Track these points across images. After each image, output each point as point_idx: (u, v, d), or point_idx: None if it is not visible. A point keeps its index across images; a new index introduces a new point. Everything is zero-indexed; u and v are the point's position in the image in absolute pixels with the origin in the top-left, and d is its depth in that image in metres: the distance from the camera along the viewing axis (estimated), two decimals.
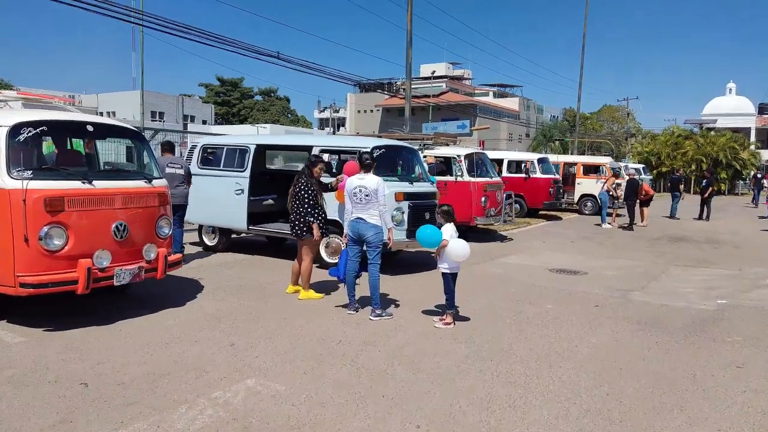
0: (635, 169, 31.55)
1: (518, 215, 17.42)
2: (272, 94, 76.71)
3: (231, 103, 72.65)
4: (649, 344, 5.44)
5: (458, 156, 12.15)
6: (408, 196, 8.30)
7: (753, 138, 52.84)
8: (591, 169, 20.56)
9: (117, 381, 4.11)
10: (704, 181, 20.32)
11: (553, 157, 20.26)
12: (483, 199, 12.02)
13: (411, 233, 8.13)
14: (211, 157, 9.84)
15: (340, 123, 77.22)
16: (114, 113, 56.26)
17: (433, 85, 65.73)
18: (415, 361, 4.76)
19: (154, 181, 5.98)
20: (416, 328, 5.73)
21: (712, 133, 45.20)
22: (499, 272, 9.14)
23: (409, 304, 6.61)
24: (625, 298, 7.43)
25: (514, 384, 4.31)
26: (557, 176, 18.27)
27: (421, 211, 8.47)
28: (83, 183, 5.25)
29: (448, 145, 13.27)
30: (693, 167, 39.71)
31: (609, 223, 16.48)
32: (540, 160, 17.80)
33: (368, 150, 8.17)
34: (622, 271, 9.62)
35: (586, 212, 20.09)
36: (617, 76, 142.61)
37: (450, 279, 5.82)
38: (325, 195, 7.03)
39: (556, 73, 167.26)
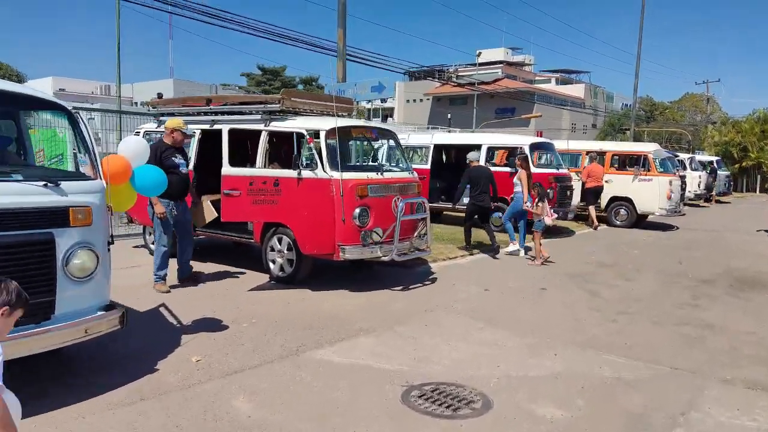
0: (707, 162, 24.41)
1: (498, 229, 11.52)
2: (313, 83, 72.76)
3: (270, 92, 69.40)
4: None
5: (310, 132, 6.50)
6: None
7: None
8: (628, 162, 14.24)
9: None
10: None
11: (562, 144, 13.91)
12: (357, 210, 6.36)
13: None
14: None
15: (388, 114, 72.91)
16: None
17: (484, 71, 59.23)
18: None
19: None
20: None
21: None
22: (247, 423, 3.63)
23: None
24: None
25: None
26: (564, 171, 12.06)
27: None
28: None
29: (336, 115, 7.60)
30: None
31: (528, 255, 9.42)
32: (535, 147, 11.69)
33: None
34: (586, 408, 3.84)
35: (618, 222, 13.79)
36: (701, 61, 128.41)
37: None
38: None
39: (631, 54, 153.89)
